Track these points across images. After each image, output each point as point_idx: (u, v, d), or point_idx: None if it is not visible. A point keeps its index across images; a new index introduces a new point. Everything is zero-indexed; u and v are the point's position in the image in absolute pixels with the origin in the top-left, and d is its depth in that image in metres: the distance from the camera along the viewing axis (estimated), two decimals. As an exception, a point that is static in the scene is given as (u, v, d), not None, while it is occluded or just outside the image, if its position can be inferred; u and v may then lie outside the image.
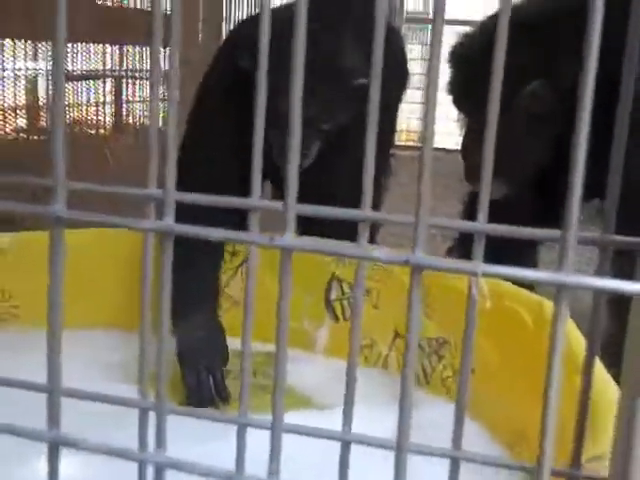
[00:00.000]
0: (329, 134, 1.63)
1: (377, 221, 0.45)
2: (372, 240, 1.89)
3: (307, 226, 1.76)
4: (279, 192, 1.99)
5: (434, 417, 1.37)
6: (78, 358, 1.52)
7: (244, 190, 0.48)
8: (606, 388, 0.97)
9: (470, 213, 1.99)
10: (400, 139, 5.48)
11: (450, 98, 1.85)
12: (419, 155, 0.38)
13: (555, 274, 0.36)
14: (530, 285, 1.95)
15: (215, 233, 0.41)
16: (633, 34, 0.41)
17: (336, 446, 0.50)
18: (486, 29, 1.72)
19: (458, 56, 1.80)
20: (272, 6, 0.61)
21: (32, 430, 0.47)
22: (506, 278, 0.36)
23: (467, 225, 0.44)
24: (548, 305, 1.31)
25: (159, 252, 0.45)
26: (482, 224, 0.42)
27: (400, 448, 0.44)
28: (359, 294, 0.41)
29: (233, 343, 1.56)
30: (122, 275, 1.74)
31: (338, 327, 1.74)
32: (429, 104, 0.37)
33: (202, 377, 1.51)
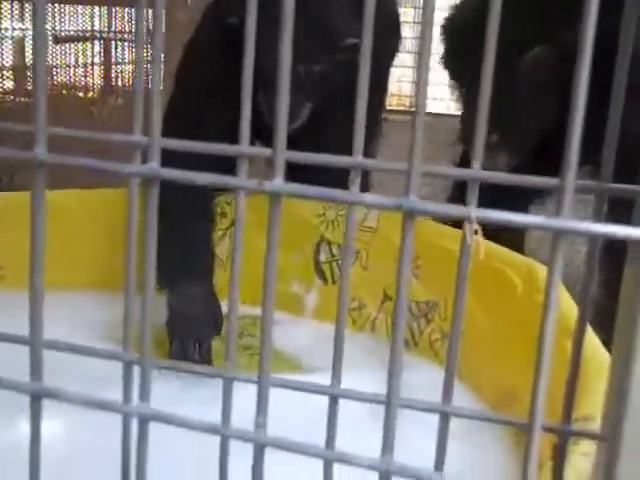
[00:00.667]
0: (320, 95, 1.61)
1: (369, 169, 0.44)
2: (365, 175, 1.88)
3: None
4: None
5: (422, 380, 1.37)
6: (63, 319, 1.51)
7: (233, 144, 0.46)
8: (595, 352, 0.96)
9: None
10: (391, 103, 5.44)
11: (446, 71, 1.81)
12: (414, 102, 0.37)
13: (552, 219, 0.35)
14: (520, 247, 1.94)
15: (202, 177, 0.40)
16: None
17: (325, 408, 0.49)
18: None
19: (450, 29, 1.76)
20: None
21: (14, 382, 0.46)
22: (500, 223, 0.35)
23: (462, 172, 0.43)
24: (537, 268, 1.31)
25: (144, 203, 0.44)
26: (477, 171, 0.41)
27: (390, 402, 0.43)
28: (350, 242, 0.39)
29: (223, 304, 1.55)
30: (105, 235, 1.73)
31: (327, 289, 1.73)
32: (424, 49, 0.36)
33: (188, 347, 1.48)
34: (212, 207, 1.72)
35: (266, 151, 0.43)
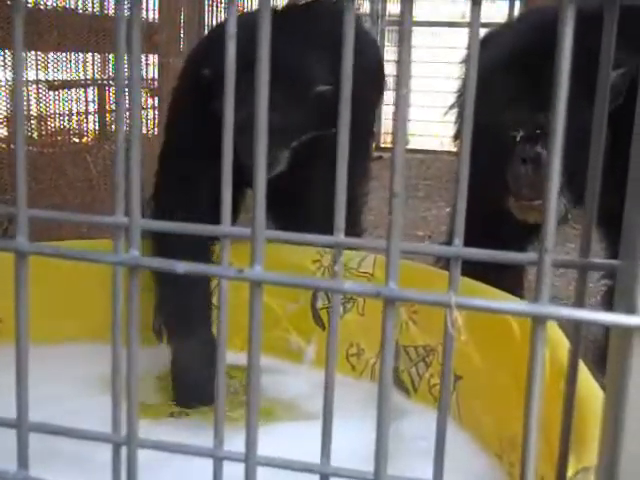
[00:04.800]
0: (297, 142, 1.63)
1: (350, 247, 0.44)
2: (357, 222, 1.90)
3: (284, 208, 1.76)
4: None
5: (423, 427, 1.36)
6: (60, 375, 1.51)
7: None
8: (594, 399, 0.95)
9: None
10: (385, 141, 5.47)
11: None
12: (390, 183, 0.37)
13: (532, 305, 0.35)
14: (520, 282, 1.91)
15: (181, 266, 0.40)
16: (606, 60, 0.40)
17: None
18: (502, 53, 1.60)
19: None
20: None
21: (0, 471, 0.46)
22: (480, 309, 0.35)
23: (442, 250, 0.43)
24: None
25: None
26: (458, 248, 0.41)
27: (379, 481, 0.43)
28: (334, 326, 0.39)
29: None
30: (98, 286, 1.72)
31: (325, 336, 1.72)
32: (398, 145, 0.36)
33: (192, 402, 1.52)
34: (209, 255, 1.72)
35: (247, 232, 0.43)
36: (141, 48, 0.45)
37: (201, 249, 1.64)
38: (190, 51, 2.04)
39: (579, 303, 0.39)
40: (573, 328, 0.41)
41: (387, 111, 5.07)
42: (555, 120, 0.33)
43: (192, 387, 1.51)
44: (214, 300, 1.79)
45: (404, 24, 0.38)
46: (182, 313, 1.60)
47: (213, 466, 0.47)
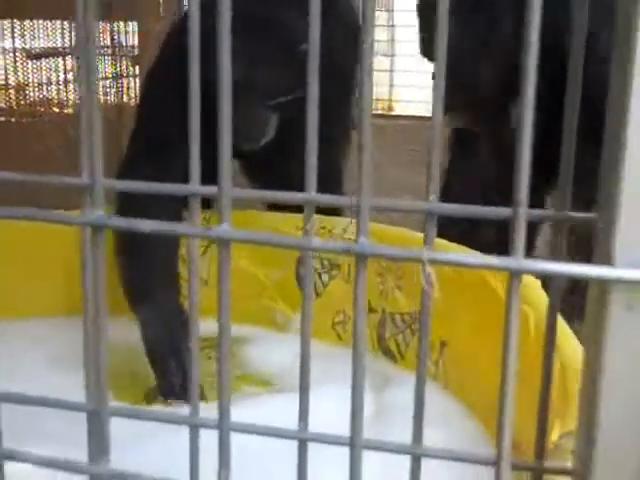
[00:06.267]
0: (285, 108, 1.60)
1: (320, 205, 0.43)
2: (337, 189, 1.90)
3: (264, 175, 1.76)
4: (246, 166, 1.96)
5: (409, 396, 1.35)
6: (27, 352, 1.50)
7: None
8: (575, 357, 0.95)
9: (455, 151, 2.00)
10: (374, 108, 5.43)
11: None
12: (357, 137, 0.36)
13: (505, 259, 0.33)
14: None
15: (147, 225, 0.39)
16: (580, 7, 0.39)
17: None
18: None
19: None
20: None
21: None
22: (453, 264, 0.34)
23: (415, 205, 0.42)
24: (526, 279, 1.29)
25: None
26: (432, 204, 0.39)
27: (353, 444, 0.42)
28: (309, 288, 0.38)
29: (203, 324, 1.52)
30: (65, 261, 1.68)
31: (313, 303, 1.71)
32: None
33: (173, 376, 1.43)
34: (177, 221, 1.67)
35: (213, 189, 0.42)
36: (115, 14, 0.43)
37: (169, 215, 1.58)
38: (171, 22, 2.01)
39: (555, 257, 0.38)
40: (550, 285, 0.40)
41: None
42: (528, 58, 0.32)
43: (176, 376, 1.44)
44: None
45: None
46: (145, 283, 1.53)
47: (190, 434, 0.46)
